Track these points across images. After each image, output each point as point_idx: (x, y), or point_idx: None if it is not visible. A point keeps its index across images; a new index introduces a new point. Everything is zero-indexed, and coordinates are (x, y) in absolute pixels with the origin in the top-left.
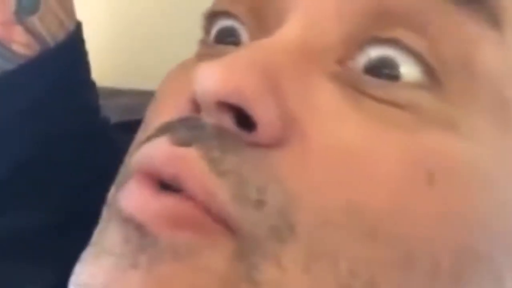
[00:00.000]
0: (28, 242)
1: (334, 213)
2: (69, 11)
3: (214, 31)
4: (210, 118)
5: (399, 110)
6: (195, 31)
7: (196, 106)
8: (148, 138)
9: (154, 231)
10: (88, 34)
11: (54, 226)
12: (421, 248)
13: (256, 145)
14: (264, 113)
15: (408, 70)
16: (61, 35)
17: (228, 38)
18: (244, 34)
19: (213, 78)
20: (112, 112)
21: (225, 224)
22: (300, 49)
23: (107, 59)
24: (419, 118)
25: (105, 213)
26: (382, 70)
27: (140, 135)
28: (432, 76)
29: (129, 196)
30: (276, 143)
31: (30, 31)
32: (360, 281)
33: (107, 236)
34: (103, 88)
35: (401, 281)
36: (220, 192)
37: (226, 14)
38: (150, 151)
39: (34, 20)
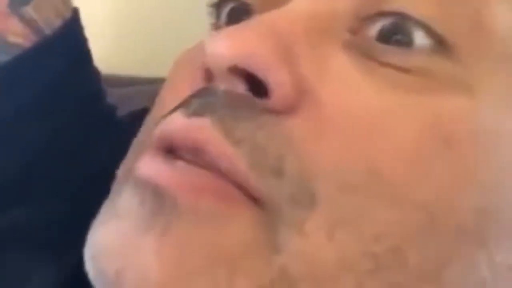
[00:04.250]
0: (35, 233)
1: (355, 178)
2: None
3: (224, 13)
4: (222, 84)
5: (412, 76)
6: (202, 17)
7: (209, 76)
8: (164, 117)
9: (173, 194)
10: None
11: (61, 217)
12: (444, 211)
13: (269, 111)
14: (277, 78)
15: (419, 36)
16: (57, 23)
17: (240, 17)
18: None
19: (225, 44)
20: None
21: (247, 193)
22: (311, 19)
23: (128, 49)
24: (433, 83)
25: (116, 184)
26: (394, 36)
27: (154, 114)
28: (442, 42)
29: (145, 163)
30: (289, 110)
31: (25, 21)
32: (384, 246)
33: (120, 201)
34: (125, 77)
35: (426, 245)
36: (238, 160)
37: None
38: (164, 126)
39: (29, 10)
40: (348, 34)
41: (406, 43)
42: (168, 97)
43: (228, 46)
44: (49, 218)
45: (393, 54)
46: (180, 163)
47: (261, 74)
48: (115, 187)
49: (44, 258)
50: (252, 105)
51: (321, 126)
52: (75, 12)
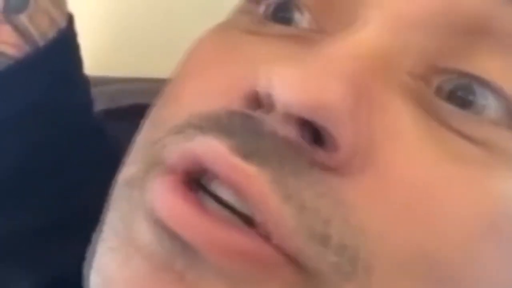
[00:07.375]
0: (10, 245)
1: (403, 257)
2: (61, 5)
3: (264, 3)
4: (273, 125)
5: (475, 147)
6: (177, 18)
7: (256, 103)
8: (190, 126)
9: (199, 250)
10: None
11: (39, 230)
12: None
13: (321, 166)
14: (347, 134)
15: (491, 103)
16: (51, 33)
17: (279, 14)
18: (298, 14)
19: (295, 87)
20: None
21: (288, 256)
22: (381, 57)
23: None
24: (497, 159)
25: (119, 194)
26: (458, 93)
27: (166, 111)
28: None
29: (164, 197)
30: (345, 170)
31: (18, 30)
32: None
33: (134, 231)
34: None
35: None
36: (285, 220)
37: None
38: (202, 150)
39: (23, 19)
40: (406, 76)
41: (471, 104)
42: (188, 96)
43: (298, 89)
44: (26, 230)
45: (457, 117)
46: (211, 207)
47: (330, 127)
48: (118, 200)
49: (18, 271)
50: (303, 153)
51: (379, 193)
52: (70, 20)
